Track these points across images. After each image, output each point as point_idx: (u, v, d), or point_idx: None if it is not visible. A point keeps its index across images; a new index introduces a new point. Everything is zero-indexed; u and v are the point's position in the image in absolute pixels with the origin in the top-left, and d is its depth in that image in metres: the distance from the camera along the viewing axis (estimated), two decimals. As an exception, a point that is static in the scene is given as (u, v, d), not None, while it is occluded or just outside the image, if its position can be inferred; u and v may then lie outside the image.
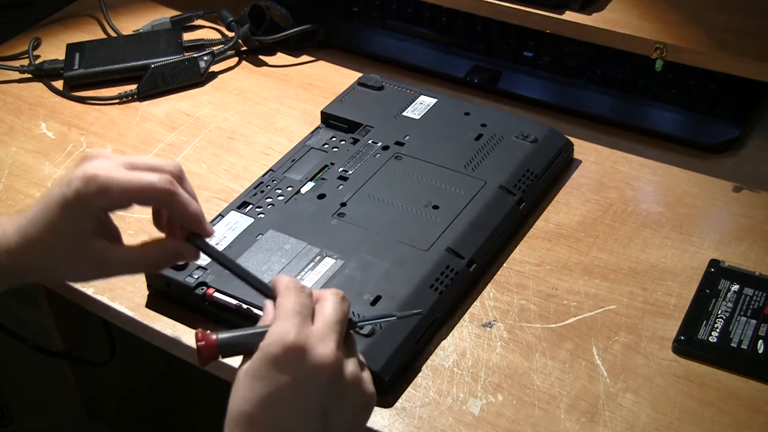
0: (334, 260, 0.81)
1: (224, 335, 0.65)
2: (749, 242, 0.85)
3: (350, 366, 0.63)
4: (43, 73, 1.12)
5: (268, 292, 0.67)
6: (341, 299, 0.65)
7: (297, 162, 0.93)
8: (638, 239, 0.87)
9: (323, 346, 0.62)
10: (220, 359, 0.65)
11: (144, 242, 0.72)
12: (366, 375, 0.66)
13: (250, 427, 0.61)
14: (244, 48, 1.15)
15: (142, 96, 1.09)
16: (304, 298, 0.64)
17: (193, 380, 1.23)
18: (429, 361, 0.76)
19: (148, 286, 0.82)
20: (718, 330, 0.76)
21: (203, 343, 0.64)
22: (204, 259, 0.81)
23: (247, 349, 0.63)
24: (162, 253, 0.72)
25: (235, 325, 0.79)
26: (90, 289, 0.84)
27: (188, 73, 1.10)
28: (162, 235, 0.72)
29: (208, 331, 0.65)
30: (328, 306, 0.64)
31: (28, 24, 1.22)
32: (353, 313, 0.75)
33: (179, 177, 0.70)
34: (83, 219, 0.68)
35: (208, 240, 0.71)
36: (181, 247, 0.72)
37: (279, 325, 0.62)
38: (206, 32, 1.20)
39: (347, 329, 0.66)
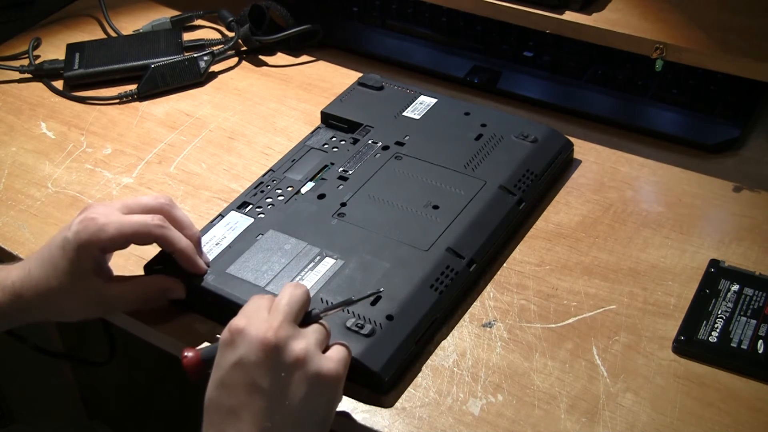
0: (334, 260, 0.81)
1: (206, 348, 0.71)
2: (749, 242, 0.85)
3: (299, 344, 0.66)
4: (43, 73, 1.12)
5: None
6: (294, 286, 0.69)
7: (297, 162, 0.93)
8: (638, 239, 0.87)
9: (266, 324, 0.65)
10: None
11: (135, 278, 0.79)
12: (335, 354, 0.68)
13: (210, 408, 0.66)
14: (244, 48, 1.15)
15: (142, 96, 1.09)
16: (260, 300, 0.69)
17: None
18: (429, 361, 0.76)
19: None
20: (718, 330, 0.76)
21: (188, 359, 0.70)
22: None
23: None
24: (150, 290, 0.79)
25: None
26: (90, 289, 0.84)
27: (188, 73, 1.10)
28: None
29: (190, 354, 0.71)
30: (281, 294, 0.69)
31: (28, 24, 1.22)
32: (326, 301, 0.76)
33: (171, 206, 0.78)
34: (83, 258, 0.74)
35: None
36: (169, 283, 0.79)
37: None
38: (206, 32, 1.20)
39: (313, 321, 0.69)
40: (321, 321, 0.70)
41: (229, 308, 0.78)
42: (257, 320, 0.66)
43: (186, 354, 0.71)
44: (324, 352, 0.68)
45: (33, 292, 0.76)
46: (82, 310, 0.78)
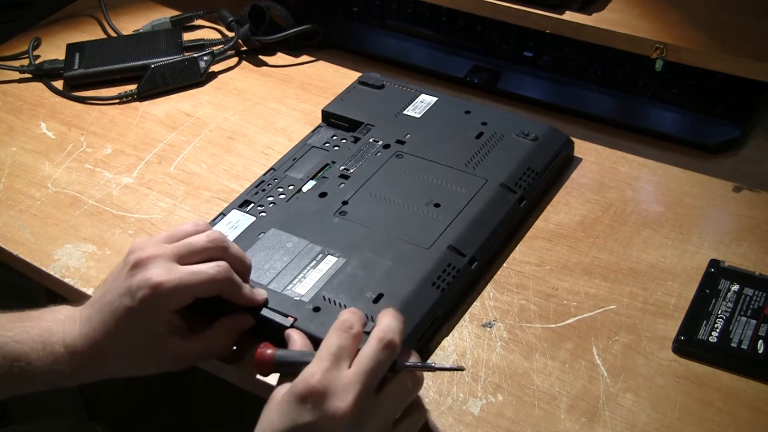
0: (336, 258, 0.81)
1: (281, 352, 0.70)
2: (749, 242, 0.85)
3: (375, 422, 0.64)
4: (43, 73, 1.12)
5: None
6: (383, 347, 0.65)
7: (298, 161, 0.93)
8: (638, 239, 0.87)
9: (344, 395, 0.63)
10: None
11: (209, 330, 0.74)
12: (405, 427, 0.66)
13: None
14: (244, 48, 1.15)
15: (142, 96, 1.09)
16: (344, 340, 0.65)
17: (192, 380, 1.23)
18: (429, 361, 0.76)
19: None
20: (718, 330, 0.76)
21: (263, 356, 0.70)
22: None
23: (296, 371, 0.66)
24: (228, 336, 0.75)
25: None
26: (90, 289, 0.84)
27: (188, 73, 1.10)
28: None
29: (269, 351, 0.70)
30: (366, 352, 0.65)
31: (28, 24, 1.22)
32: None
33: (226, 245, 0.74)
34: (154, 325, 0.71)
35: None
36: (239, 322, 0.76)
37: (312, 364, 0.64)
38: (206, 32, 1.20)
39: (392, 371, 0.66)
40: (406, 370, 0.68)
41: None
42: (336, 386, 0.63)
43: (262, 350, 0.70)
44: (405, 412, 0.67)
45: (103, 358, 0.72)
46: (155, 367, 0.75)
